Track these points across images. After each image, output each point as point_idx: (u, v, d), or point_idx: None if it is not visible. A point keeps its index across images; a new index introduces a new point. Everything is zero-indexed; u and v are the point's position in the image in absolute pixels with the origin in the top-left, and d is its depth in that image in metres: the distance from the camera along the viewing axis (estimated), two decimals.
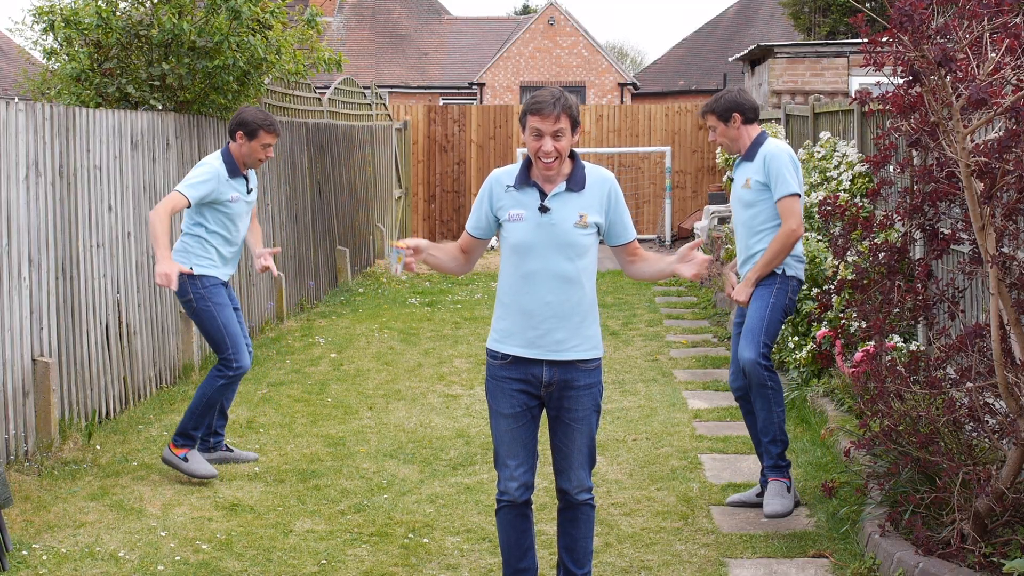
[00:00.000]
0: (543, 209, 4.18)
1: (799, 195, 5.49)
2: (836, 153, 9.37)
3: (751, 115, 5.64)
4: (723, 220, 14.96)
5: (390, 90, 33.63)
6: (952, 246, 5.16)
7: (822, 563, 5.01)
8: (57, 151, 6.83)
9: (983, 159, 4.34)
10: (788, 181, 5.47)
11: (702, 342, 10.28)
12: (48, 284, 6.68)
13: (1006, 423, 4.59)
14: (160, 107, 8.81)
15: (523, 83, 33.30)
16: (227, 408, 6.58)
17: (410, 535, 5.41)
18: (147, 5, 9.18)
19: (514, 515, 4.37)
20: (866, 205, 6.36)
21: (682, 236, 19.12)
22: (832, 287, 6.16)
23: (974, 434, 4.98)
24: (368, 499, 5.93)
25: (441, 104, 26.78)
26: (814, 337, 7.76)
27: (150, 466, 6.44)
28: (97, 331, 7.28)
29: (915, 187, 5.41)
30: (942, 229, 5.10)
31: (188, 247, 6.25)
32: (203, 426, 6.27)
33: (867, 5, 20.40)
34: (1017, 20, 4.31)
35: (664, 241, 18.96)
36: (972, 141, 4.46)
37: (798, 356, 7.93)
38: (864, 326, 6.16)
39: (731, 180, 5.78)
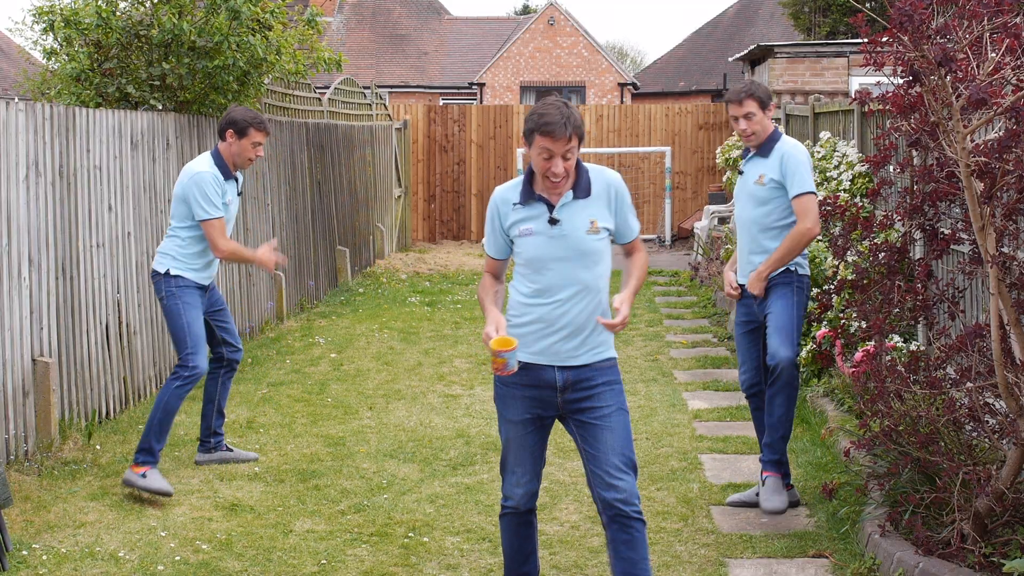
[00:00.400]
0: (552, 221, 4.08)
1: (815, 194, 5.47)
2: (836, 153, 9.38)
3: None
4: (723, 220, 14.96)
5: (390, 90, 33.64)
6: (952, 246, 5.16)
7: (822, 563, 5.01)
8: (57, 151, 6.83)
9: (983, 159, 4.34)
10: (806, 179, 5.44)
11: (702, 342, 10.28)
12: (48, 284, 6.68)
13: (1006, 423, 4.60)
14: (160, 107, 8.81)
15: (523, 83, 33.30)
16: (223, 407, 6.57)
17: (410, 535, 5.41)
18: (147, 5, 9.18)
19: (518, 522, 4.32)
20: (866, 205, 6.36)
21: (682, 236, 19.13)
22: (832, 287, 6.16)
23: (974, 434, 4.98)
24: (368, 499, 5.93)
25: (441, 104, 26.79)
26: (814, 337, 7.76)
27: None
28: (97, 331, 7.28)
29: (915, 187, 5.41)
30: (942, 229, 5.10)
31: (167, 249, 6.23)
32: (164, 440, 6.08)
33: (867, 5, 20.40)
34: (1017, 20, 4.30)
35: (664, 241, 18.96)
36: (972, 141, 4.46)
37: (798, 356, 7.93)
38: (864, 326, 6.16)
39: (740, 173, 5.72)
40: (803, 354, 7.82)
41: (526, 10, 51.16)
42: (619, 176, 4.21)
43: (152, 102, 8.74)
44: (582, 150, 4.09)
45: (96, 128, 7.35)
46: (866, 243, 5.80)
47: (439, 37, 37.74)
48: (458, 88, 34.94)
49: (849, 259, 6.38)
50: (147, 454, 6.01)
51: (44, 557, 5.07)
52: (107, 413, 7.39)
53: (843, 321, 7.32)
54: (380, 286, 14.00)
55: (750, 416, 6.03)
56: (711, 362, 9.32)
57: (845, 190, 8.83)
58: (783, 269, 5.53)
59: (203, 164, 6.23)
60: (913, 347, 6.68)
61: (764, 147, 5.58)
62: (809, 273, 5.64)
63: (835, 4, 23.64)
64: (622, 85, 33.38)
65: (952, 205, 5.03)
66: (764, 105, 5.54)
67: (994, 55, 4.28)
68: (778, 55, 16.79)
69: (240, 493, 6.03)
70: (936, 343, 5.23)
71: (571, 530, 5.46)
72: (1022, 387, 4.42)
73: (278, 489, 6.11)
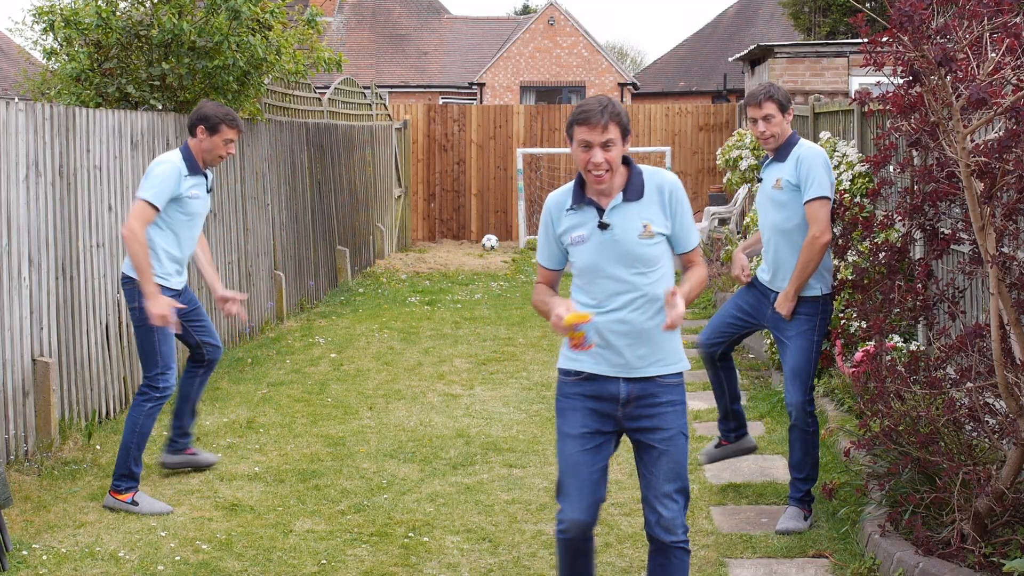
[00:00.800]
0: (603, 226, 3.85)
1: (828, 199, 5.31)
2: (836, 153, 9.37)
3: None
4: (723, 221, 14.96)
5: (390, 90, 33.63)
6: (952, 246, 5.16)
7: (822, 563, 5.01)
8: (57, 151, 6.83)
9: (983, 159, 4.34)
10: (819, 183, 5.30)
11: None
12: (48, 284, 6.68)
13: (1006, 423, 4.60)
14: (160, 107, 8.82)
15: (523, 83, 33.30)
16: (197, 405, 6.35)
17: (410, 535, 5.41)
18: (147, 5, 9.19)
19: (575, 548, 4.00)
20: (866, 205, 6.35)
21: None
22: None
23: (974, 434, 4.98)
24: (368, 499, 5.93)
25: (441, 104, 26.81)
26: None
27: (150, 466, 6.44)
28: (97, 331, 7.28)
29: (915, 187, 5.41)
30: (942, 229, 5.10)
31: None
32: (140, 463, 5.85)
33: (867, 5, 20.41)
34: (1017, 20, 4.31)
35: None
36: (972, 141, 4.46)
37: None
38: (864, 326, 6.16)
39: (760, 181, 5.65)
40: None
41: (526, 10, 51.16)
42: (676, 177, 3.96)
43: (152, 102, 8.74)
44: None
45: (96, 128, 7.35)
46: (866, 243, 5.80)
47: (439, 37, 37.74)
48: (458, 88, 34.93)
49: (849, 259, 6.38)
50: (129, 479, 5.79)
51: (44, 557, 5.07)
52: (107, 413, 7.39)
53: (843, 321, 7.32)
54: (380, 286, 14.00)
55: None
56: None
57: (845, 190, 8.83)
58: (811, 295, 5.40)
59: (169, 155, 5.99)
60: (913, 347, 6.68)
61: (781, 151, 5.45)
62: (832, 286, 5.49)
63: (835, 4, 23.64)
64: (622, 85, 33.38)
65: (952, 205, 5.03)
66: (784, 108, 5.41)
67: (994, 55, 4.28)
68: (778, 55, 16.80)
69: (240, 493, 6.03)
70: (936, 343, 5.23)
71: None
72: (1022, 387, 4.42)
73: (278, 489, 6.11)
